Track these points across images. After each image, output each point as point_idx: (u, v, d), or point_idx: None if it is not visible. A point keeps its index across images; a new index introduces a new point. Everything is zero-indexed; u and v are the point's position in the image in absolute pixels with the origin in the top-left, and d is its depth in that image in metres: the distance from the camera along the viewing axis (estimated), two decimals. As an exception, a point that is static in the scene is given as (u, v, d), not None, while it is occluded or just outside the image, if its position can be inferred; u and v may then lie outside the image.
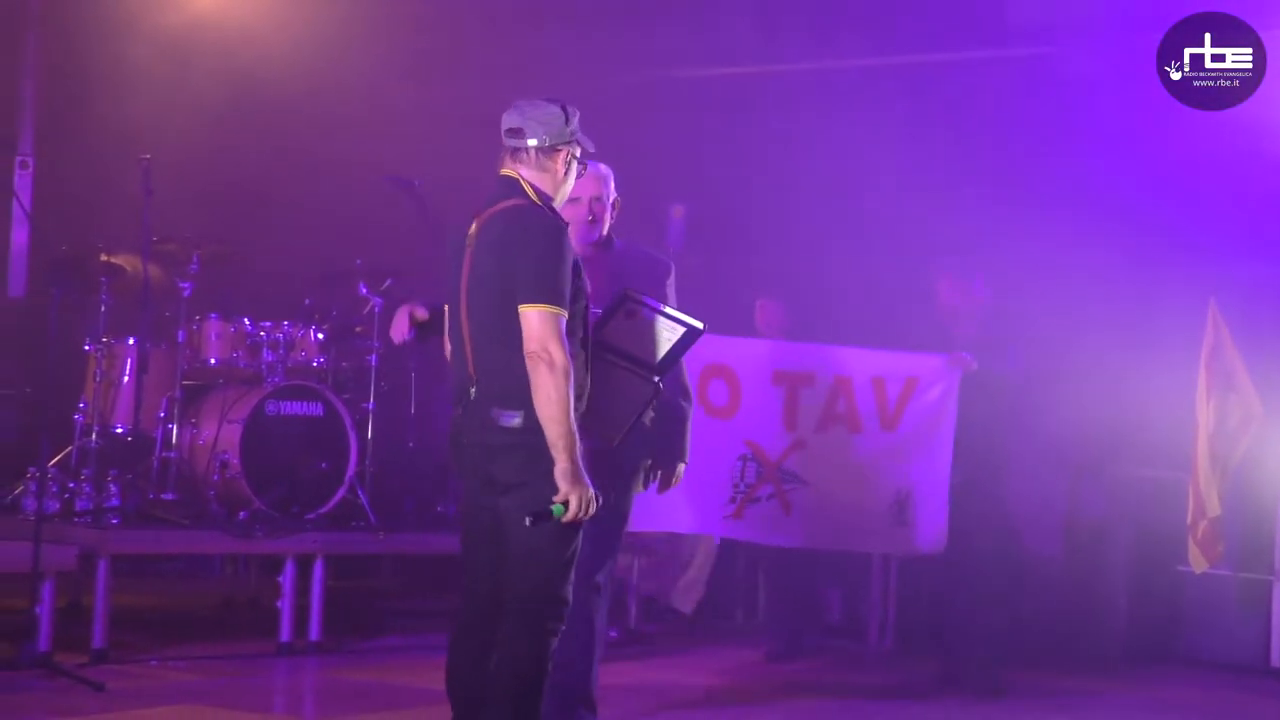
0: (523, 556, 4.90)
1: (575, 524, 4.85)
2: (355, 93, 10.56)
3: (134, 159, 8.46)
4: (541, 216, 4.93)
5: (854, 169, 9.71)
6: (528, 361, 4.78)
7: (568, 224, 5.04)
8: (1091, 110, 9.82)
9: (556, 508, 4.77)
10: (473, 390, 4.92)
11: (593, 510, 4.83)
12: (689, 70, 10.94)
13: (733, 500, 7.73)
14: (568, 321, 4.84)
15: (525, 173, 5.00)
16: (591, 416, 5.07)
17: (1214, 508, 7.86)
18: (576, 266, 4.95)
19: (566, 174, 5.06)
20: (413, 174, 8.71)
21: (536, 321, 4.78)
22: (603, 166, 5.68)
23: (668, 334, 5.24)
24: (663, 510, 5.81)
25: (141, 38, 10.31)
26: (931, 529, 7.74)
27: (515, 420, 4.83)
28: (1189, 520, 7.96)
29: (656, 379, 5.24)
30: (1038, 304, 8.62)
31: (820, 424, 7.78)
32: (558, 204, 5.07)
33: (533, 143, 4.99)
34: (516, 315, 4.82)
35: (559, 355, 4.75)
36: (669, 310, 5.30)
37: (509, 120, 5.03)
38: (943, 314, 8.05)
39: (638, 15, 10.58)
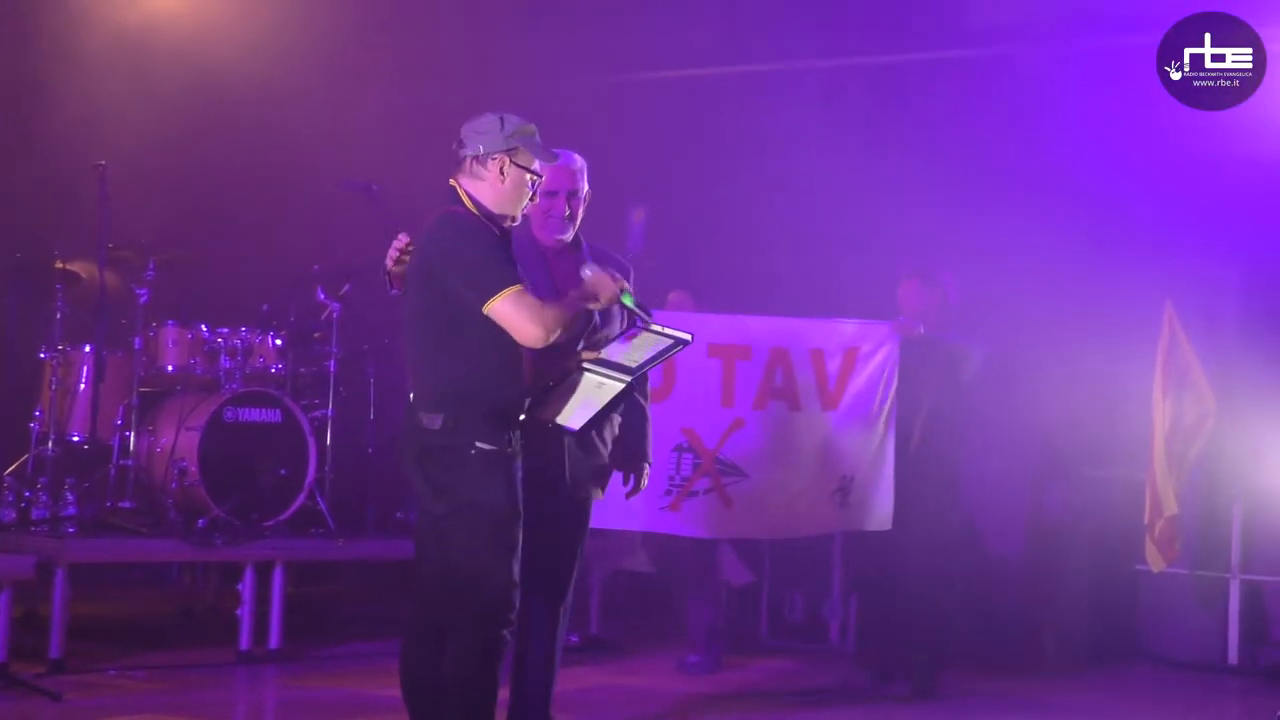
0: (460, 560, 4.96)
1: (508, 531, 4.93)
2: (313, 97, 10.52)
3: (89, 165, 8.41)
4: (457, 220, 5.04)
5: (812, 168, 9.73)
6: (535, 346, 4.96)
7: (506, 229, 5.13)
8: (1053, 109, 9.86)
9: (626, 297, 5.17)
10: (411, 395, 5.08)
11: (618, 285, 5.14)
12: (648, 72, 10.95)
13: (668, 493, 7.52)
14: None
15: (464, 181, 5.15)
16: (550, 403, 5.18)
17: (1171, 506, 7.91)
18: (511, 259, 5.03)
19: (507, 182, 5.10)
20: (370, 178, 8.68)
21: (509, 311, 4.90)
22: (577, 158, 5.67)
23: (653, 343, 5.25)
24: (595, 507, 5.77)
25: (96, 41, 10.24)
26: (876, 507, 7.64)
27: (436, 423, 4.95)
28: (1146, 519, 8.01)
29: (629, 380, 5.25)
30: (995, 303, 8.65)
31: (758, 400, 7.61)
32: (509, 211, 5.13)
33: (469, 152, 5.12)
34: (437, 320, 5.00)
35: (549, 325, 4.90)
36: (657, 327, 5.29)
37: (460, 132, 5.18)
38: (908, 316, 7.86)
39: (602, 15, 10.57)
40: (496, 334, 4.96)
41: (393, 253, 5.31)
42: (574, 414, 5.24)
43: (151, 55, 10.37)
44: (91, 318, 8.50)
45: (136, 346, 8.56)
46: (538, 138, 5.16)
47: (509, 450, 5.00)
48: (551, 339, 4.94)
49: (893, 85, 10.56)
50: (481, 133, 5.11)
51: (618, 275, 5.24)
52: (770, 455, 7.62)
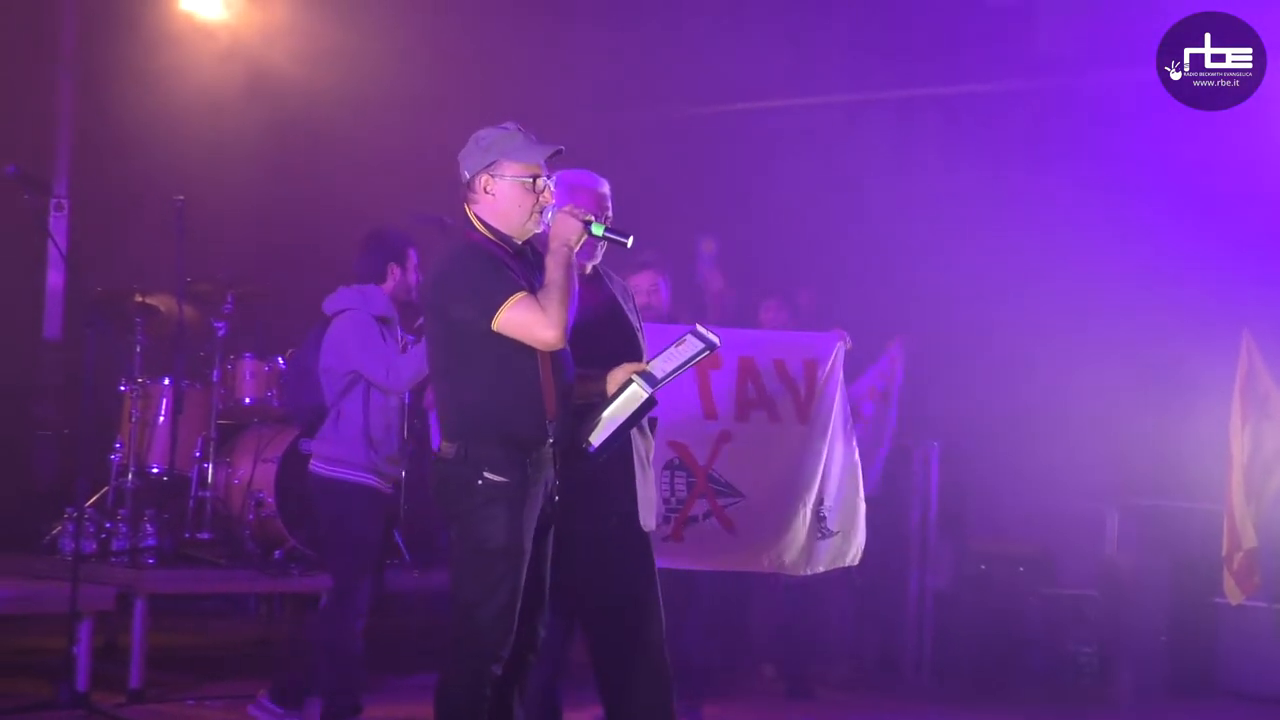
0: (456, 590, 4.95)
1: (502, 566, 4.84)
2: (390, 131, 10.60)
3: (168, 199, 8.52)
4: (457, 246, 5.03)
5: (886, 200, 9.73)
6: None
7: (520, 246, 5.04)
8: (1124, 139, 9.81)
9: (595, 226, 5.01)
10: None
11: (581, 217, 5.00)
12: (720, 105, 10.98)
13: (666, 520, 6.91)
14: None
15: (471, 206, 5.10)
16: (587, 423, 5.05)
17: (1249, 539, 7.83)
18: (512, 271, 4.94)
19: (497, 196, 5.03)
20: (445, 213, 8.74)
21: (512, 321, 4.85)
22: (604, 182, 5.50)
23: (684, 351, 5.10)
24: None
25: (176, 77, 10.39)
26: (855, 538, 7.24)
27: (451, 452, 4.94)
28: (1224, 551, 7.93)
29: (652, 391, 5.10)
30: (1069, 334, 8.61)
31: (739, 411, 7.21)
32: (515, 224, 5.04)
33: (464, 180, 5.09)
34: (448, 350, 4.97)
35: (556, 315, 4.83)
36: (701, 329, 5.15)
37: None
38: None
39: (676, 49, 10.62)
40: (509, 361, 4.90)
41: None
42: (602, 431, 5.07)
43: (229, 91, 10.52)
44: (170, 351, 8.61)
45: (215, 379, 8.65)
46: (521, 139, 5.04)
47: (522, 482, 4.89)
48: (565, 329, 4.84)
49: (961, 114, 10.54)
50: (465, 157, 5.08)
51: (578, 209, 5.05)
52: (763, 472, 7.21)
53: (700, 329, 5.14)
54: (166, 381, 8.62)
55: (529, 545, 4.90)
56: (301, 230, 10.61)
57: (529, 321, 4.83)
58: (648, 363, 5.14)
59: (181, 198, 8.45)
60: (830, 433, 7.25)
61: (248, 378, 8.83)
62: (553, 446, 4.96)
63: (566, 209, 5.04)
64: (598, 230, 5.04)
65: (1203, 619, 9.04)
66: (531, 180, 5.02)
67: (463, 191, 5.09)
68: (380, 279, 6.96)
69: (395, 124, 10.65)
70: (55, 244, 8.43)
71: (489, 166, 5.02)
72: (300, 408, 7.07)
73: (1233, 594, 7.99)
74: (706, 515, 7.16)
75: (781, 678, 8.65)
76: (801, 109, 10.97)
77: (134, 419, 8.57)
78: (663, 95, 10.78)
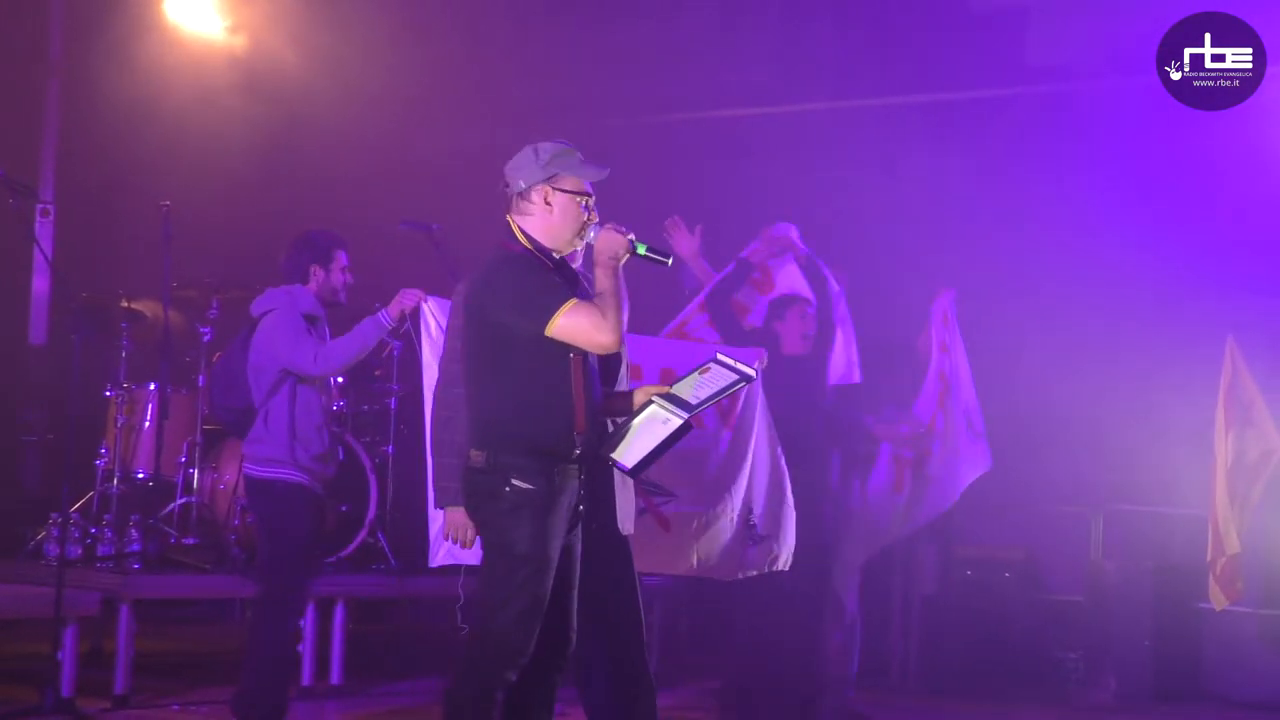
0: (480, 593, 5.00)
1: (526, 572, 4.88)
2: (375, 139, 10.62)
3: (154, 205, 8.52)
4: (504, 255, 5.07)
5: (874, 206, 9.74)
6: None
7: (561, 260, 5.13)
8: (1111, 147, 9.84)
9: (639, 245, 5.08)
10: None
11: (627, 236, 5.06)
12: (701, 112, 10.99)
13: None
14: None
15: (515, 217, 5.15)
16: (612, 439, 5.12)
17: (1233, 545, 7.84)
18: (561, 284, 5.01)
19: (554, 210, 5.11)
20: (432, 219, 8.74)
21: (569, 325, 4.93)
22: None
23: (719, 379, 5.15)
24: None
25: (162, 84, 10.38)
26: (784, 542, 7.14)
27: (480, 459, 4.99)
28: (1209, 557, 7.95)
29: (686, 417, 5.15)
30: (1056, 340, 8.63)
31: None
32: (562, 239, 5.12)
33: (513, 190, 5.14)
34: (485, 357, 5.03)
35: (612, 321, 4.91)
36: (726, 359, 5.19)
37: None
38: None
39: (655, 57, 10.64)
40: (543, 373, 4.97)
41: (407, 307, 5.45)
42: (629, 450, 5.13)
43: (216, 97, 10.51)
44: (156, 356, 8.60)
45: (200, 384, 8.65)
46: (578, 157, 5.15)
47: (549, 491, 4.95)
48: (621, 333, 4.94)
49: (952, 122, 10.56)
50: (520, 168, 5.13)
51: (621, 227, 5.12)
52: (691, 474, 7.12)
53: (722, 357, 5.19)
54: (152, 387, 8.62)
55: (555, 555, 4.96)
56: (286, 237, 10.58)
57: (586, 325, 4.92)
58: (671, 385, 5.18)
59: (167, 203, 8.44)
60: (754, 439, 7.26)
61: (232, 383, 8.80)
62: (579, 459, 5.03)
63: (609, 226, 5.12)
64: (640, 249, 5.14)
65: (1187, 624, 9.06)
66: (584, 199, 5.13)
67: (508, 202, 5.14)
68: (303, 279, 6.91)
69: (383, 129, 10.66)
70: (41, 249, 8.42)
71: (550, 179, 5.11)
72: (227, 410, 7.01)
73: (1217, 599, 8.00)
74: (642, 513, 7.02)
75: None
76: (787, 115, 10.98)
77: (119, 424, 8.58)
78: (648, 100, 10.79)
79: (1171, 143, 9.38)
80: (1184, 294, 9.27)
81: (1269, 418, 7.98)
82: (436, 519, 5.75)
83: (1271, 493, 8.21)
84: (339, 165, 10.50)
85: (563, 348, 4.98)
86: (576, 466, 5.04)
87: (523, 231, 5.12)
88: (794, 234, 7.94)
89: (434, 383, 6.02)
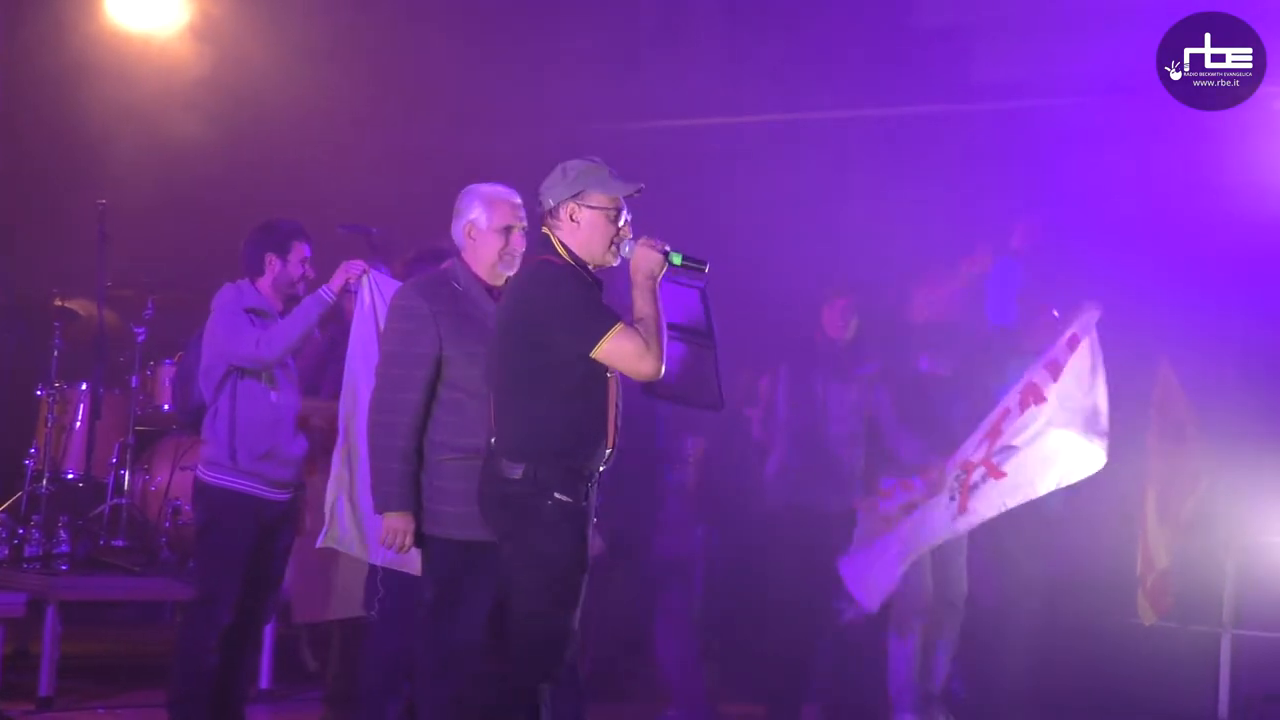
0: (519, 608, 5.01)
1: (571, 582, 4.98)
2: (316, 142, 10.55)
3: (90, 203, 8.45)
4: (552, 268, 5.11)
5: (823, 220, 9.76)
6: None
7: (596, 277, 5.20)
8: (1051, 166, 9.90)
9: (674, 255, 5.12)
10: (492, 441, 5.12)
11: (661, 248, 5.11)
12: (654, 121, 10.99)
13: None
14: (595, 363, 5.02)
15: (555, 232, 5.20)
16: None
17: (1163, 560, 7.91)
18: (603, 302, 5.11)
19: (582, 225, 5.16)
20: (373, 222, 8.71)
21: (614, 351, 4.98)
22: (512, 192, 5.65)
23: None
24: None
25: (99, 81, 10.29)
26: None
27: (517, 472, 5.00)
28: (1139, 572, 8.01)
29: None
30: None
31: None
32: (595, 254, 5.18)
33: (545, 208, 5.20)
34: (527, 369, 5.05)
35: (655, 349, 4.97)
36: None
37: None
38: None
39: (608, 63, 10.63)
40: (585, 390, 5.04)
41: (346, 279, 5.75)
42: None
43: (153, 96, 10.41)
44: (89, 356, 8.54)
45: (133, 385, 8.59)
46: (607, 172, 5.20)
47: (584, 503, 5.04)
48: (663, 360, 4.99)
49: (898, 138, 10.60)
50: (550, 186, 5.19)
51: (655, 241, 5.18)
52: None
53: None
54: (84, 386, 8.57)
55: (588, 564, 5.06)
56: (224, 237, 10.50)
57: (631, 353, 4.97)
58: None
59: (104, 201, 8.39)
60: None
61: (167, 384, 8.77)
62: (600, 473, 5.13)
63: (644, 241, 5.15)
64: (676, 260, 5.18)
65: (1117, 639, 9.12)
66: (615, 213, 5.17)
67: (544, 218, 5.20)
68: (259, 268, 6.73)
69: (324, 131, 10.60)
70: (-28, 245, 8.36)
71: (576, 196, 5.15)
72: (183, 411, 6.88)
73: (1146, 614, 8.06)
74: None
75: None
76: (736, 128, 10.99)
77: (50, 424, 8.52)
78: (594, 111, 10.77)
79: (1115, 163, 9.44)
80: (1121, 311, 9.32)
81: (1200, 440, 8.04)
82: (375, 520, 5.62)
83: (1201, 510, 8.28)
84: (279, 168, 10.43)
85: (604, 367, 5.06)
86: (595, 479, 5.13)
87: (560, 243, 5.17)
88: None
89: (366, 359, 5.96)
